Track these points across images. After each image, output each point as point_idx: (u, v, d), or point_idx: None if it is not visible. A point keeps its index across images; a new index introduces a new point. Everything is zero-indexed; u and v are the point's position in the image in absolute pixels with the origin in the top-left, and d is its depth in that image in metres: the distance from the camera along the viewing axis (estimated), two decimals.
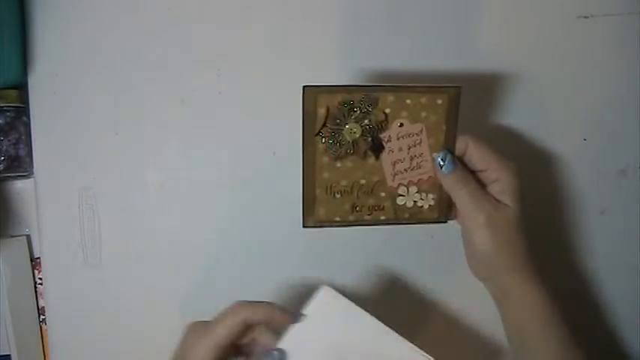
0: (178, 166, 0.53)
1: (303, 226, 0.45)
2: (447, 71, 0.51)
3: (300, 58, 0.52)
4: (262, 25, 0.52)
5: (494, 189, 0.43)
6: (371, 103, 0.41)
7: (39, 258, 0.55)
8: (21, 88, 0.53)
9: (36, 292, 0.56)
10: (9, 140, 0.53)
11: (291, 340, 0.39)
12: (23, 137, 0.53)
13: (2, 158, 0.52)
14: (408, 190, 0.44)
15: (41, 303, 0.56)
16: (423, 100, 0.41)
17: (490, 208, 0.42)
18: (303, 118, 0.42)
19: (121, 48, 0.53)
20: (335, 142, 0.42)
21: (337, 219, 0.44)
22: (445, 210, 0.45)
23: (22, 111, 0.54)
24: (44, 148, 0.53)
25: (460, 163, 0.43)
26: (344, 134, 0.42)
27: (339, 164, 0.43)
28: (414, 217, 0.45)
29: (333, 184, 0.43)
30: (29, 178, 0.55)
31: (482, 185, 0.43)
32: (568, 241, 0.52)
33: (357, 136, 0.42)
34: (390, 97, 0.41)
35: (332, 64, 0.52)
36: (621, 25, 0.51)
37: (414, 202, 0.44)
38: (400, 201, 0.44)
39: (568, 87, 0.52)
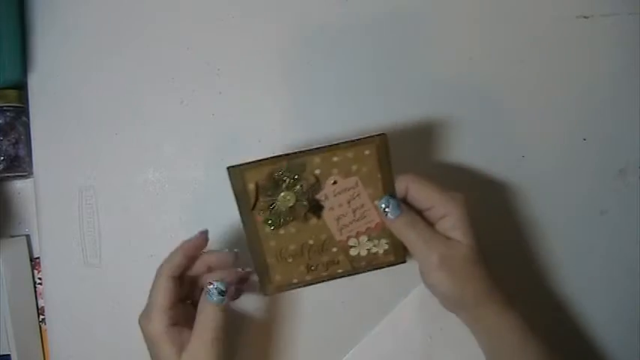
0: (178, 166, 0.53)
1: (264, 295, 0.44)
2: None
3: (299, 57, 0.52)
4: (262, 25, 0.52)
5: (444, 225, 0.41)
6: (298, 170, 0.40)
7: (39, 258, 0.55)
8: (21, 88, 0.53)
9: (36, 292, 0.56)
10: (9, 140, 0.53)
11: None
12: (23, 137, 0.53)
13: (2, 158, 0.52)
14: (358, 241, 0.43)
15: (41, 303, 0.56)
16: (350, 154, 0.40)
17: (442, 248, 0.40)
18: (235, 198, 0.41)
19: (121, 48, 0.53)
20: (272, 213, 0.41)
21: (295, 281, 0.44)
22: (401, 251, 0.45)
23: (21, 111, 0.54)
24: (44, 148, 0.53)
25: (406, 204, 0.42)
26: (279, 204, 0.41)
27: (282, 231, 0.42)
28: (371, 264, 0.44)
29: (283, 250, 0.43)
30: (29, 178, 0.55)
31: (431, 223, 0.42)
32: (568, 241, 0.52)
33: (293, 203, 0.41)
34: (317, 159, 0.40)
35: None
36: (621, 25, 0.51)
37: (368, 250, 0.43)
38: (353, 252, 0.43)
39: (568, 87, 0.51)
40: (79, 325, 0.53)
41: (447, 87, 0.52)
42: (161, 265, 0.42)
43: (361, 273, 0.44)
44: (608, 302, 0.52)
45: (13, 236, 0.56)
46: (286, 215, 0.41)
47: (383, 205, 0.41)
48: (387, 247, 0.43)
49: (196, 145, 0.53)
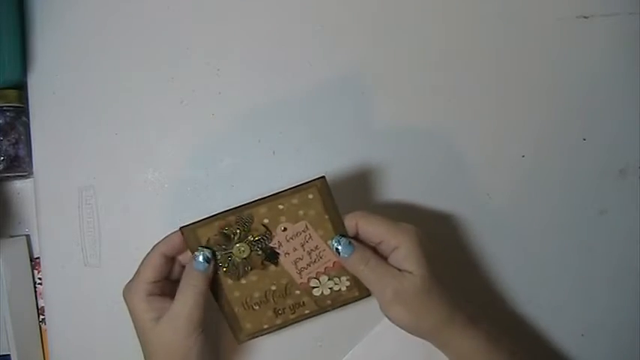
0: (178, 166, 0.53)
1: (238, 343, 0.45)
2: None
3: (299, 57, 0.52)
4: (262, 25, 0.52)
5: (396, 257, 0.41)
6: (247, 222, 0.42)
7: (39, 258, 0.55)
8: (21, 88, 0.53)
9: (36, 292, 0.56)
10: (9, 140, 0.53)
11: None
12: (23, 137, 0.53)
13: (2, 158, 0.52)
14: (319, 281, 0.44)
15: (41, 303, 0.56)
16: (295, 201, 0.41)
17: (394, 283, 0.41)
18: (192, 253, 0.43)
19: (121, 48, 0.53)
20: (229, 265, 0.43)
21: (266, 326, 0.45)
22: (364, 285, 0.44)
23: (21, 111, 0.54)
24: (44, 148, 0.53)
25: (358, 241, 0.42)
26: (234, 256, 0.42)
27: (244, 281, 0.43)
28: (337, 301, 0.45)
29: (248, 299, 0.44)
30: (29, 178, 0.55)
31: (385, 257, 0.42)
32: (567, 241, 0.52)
33: (247, 253, 0.42)
34: (263, 209, 0.41)
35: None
36: (621, 25, 0.51)
37: (330, 288, 0.44)
38: (316, 292, 0.44)
39: (568, 87, 0.51)
40: (79, 325, 0.53)
41: (447, 86, 0.52)
42: (157, 243, 0.44)
43: (329, 311, 0.45)
44: (608, 302, 0.52)
45: (13, 236, 0.56)
46: (244, 265, 0.43)
47: (334, 245, 0.42)
48: (348, 283, 0.44)
49: (196, 145, 0.53)
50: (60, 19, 0.53)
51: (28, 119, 0.54)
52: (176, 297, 0.41)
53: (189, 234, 0.42)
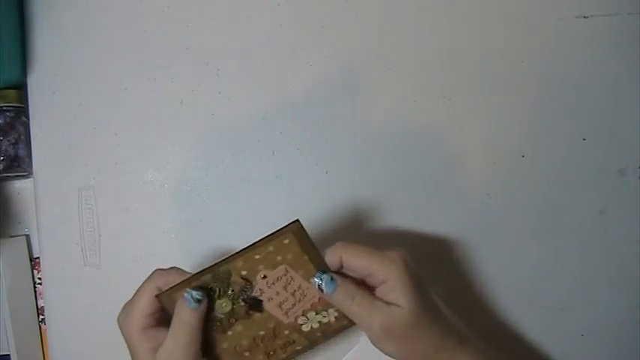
0: (178, 166, 0.53)
1: None
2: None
3: (299, 57, 0.52)
4: (262, 25, 0.52)
5: (384, 289, 0.40)
6: (225, 277, 0.41)
7: (38, 258, 0.55)
8: (21, 88, 0.53)
9: (35, 292, 0.56)
10: (8, 140, 0.53)
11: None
12: (23, 137, 0.53)
13: (2, 158, 0.52)
14: (307, 317, 0.43)
15: (41, 303, 0.56)
16: (271, 248, 0.40)
17: (382, 318, 0.39)
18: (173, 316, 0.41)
19: (121, 48, 0.53)
20: (214, 321, 0.42)
21: None
22: None
23: (21, 111, 0.54)
24: (44, 148, 0.53)
25: (342, 274, 0.41)
26: (217, 313, 0.41)
27: (230, 333, 0.42)
28: (327, 332, 0.44)
29: (237, 348, 0.43)
30: (29, 178, 0.55)
31: (373, 287, 0.41)
32: (567, 241, 0.52)
33: (230, 307, 0.41)
34: (239, 263, 0.40)
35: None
36: (621, 25, 0.51)
37: (319, 322, 0.43)
38: (305, 328, 0.43)
39: (568, 87, 0.51)
40: (79, 325, 0.53)
41: (447, 86, 0.52)
42: (155, 273, 0.42)
43: (320, 344, 0.44)
44: (608, 302, 0.52)
45: (13, 236, 0.56)
46: (228, 319, 0.42)
47: (316, 283, 0.41)
48: (336, 314, 0.43)
49: (196, 145, 0.53)
50: (60, 19, 0.53)
51: (28, 119, 0.54)
52: (169, 335, 0.40)
53: (166, 299, 0.40)
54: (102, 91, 0.53)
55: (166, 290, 0.40)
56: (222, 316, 0.42)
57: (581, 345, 0.51)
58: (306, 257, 0.41)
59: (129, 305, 0.42)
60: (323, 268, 0.41)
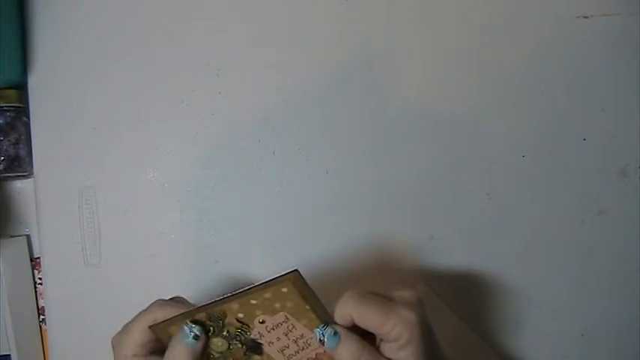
0: (178, 166, 0.53)
1: None
2: None
3: (300, 57, 0.52)
4: (262, 24, 0.52)
5: (393, 348, 0.38)
6: (219, 318, 0.39)
7: (39, 258, 0.55)
8: (21, 88, 0.53)
9: (36, 292, 0.56)
10: (9, 140, 0.53)
11: None
12: (23, 137, 0.53)
13: (2, 158, 0.52)
14: None
15: (41, 303, 0.56)
16: (268, 295, 0.38)
17: None
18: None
19: (121, 48, 0.53)
20: (210, 357, 0.40)
21: None
22: None
23: (22, 111, 0.54)
24: (44, 148, 0.53)
25: (348, 328, 0.38)
26: (212, 350, 0.40)
27: None
28: None
29: None
30: (29, 178, 0.55)
31: (380, 340, 0.39)
32: (567, 241, 0.52)
33: (225, 348, 0.40)
34: (235, 305, 0.38)
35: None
36: (621, 25, 0.51)
37: None
38: None
39: (568, 87, 0.51)
40: (79, 325, 0.53)
41: (447, 86, 0.52)
42: (155, 303, 0.41)
43: None
44: (608, 302, 0.52)
45: (13, 236, 0.56)
46: (225, 358, 0.40)
47: (318, 336, 0.38)
48: None
49: (196, 145, 0.53)
50: (60, 19, 0.53)
51: (28, 119, 0.54)
52: None
53: (161, 331, 0.39)
54: (102, 91, 0.53)
55: (161, 322, 0.39)
56: (218, 355, 0.40)
57: (581, 345, 0.51)
58: (307, 307, 0.38)
59: (124, 330, 0.41)
60: (326, 320, 0.39)
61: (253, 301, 0.38)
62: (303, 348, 0.40)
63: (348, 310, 0.38)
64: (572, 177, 0.52)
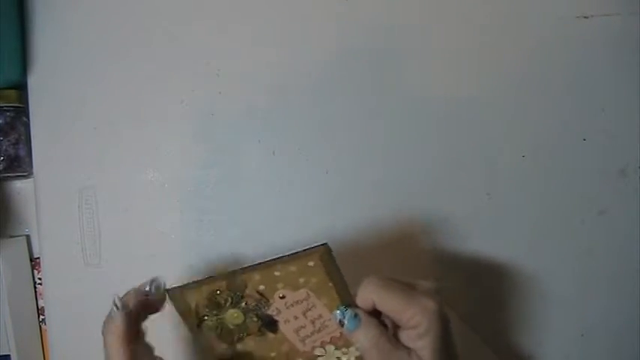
0: (178, 166, 0.53)
1: None
2: None
3: (300, 57, 0.52)
4: (262, 24, 0.52)
5: (411, 335, 0.37)
6: (239, 288, 0.37)
7: (39, 258, 0.55)
8: (21, 88, 0.53)
9: (36, 292, 0.56)
10: (9, 140, 0.53)
11: None
12: (23, 137, 0.53)
13: (2, 158, 0.52)
14: (325, 350, 0.39)
15: (41, 303, 0.56)
16: (293, 268, 0.37)
17: None
18: (180, 316, 0.39)
19: (121, 48, 0.53)
20: (222, 330, 0.39)
21: None
22: None
23: (21, 111, 0.54)
24: (44, 148, 0.53)
25: (368, 312, 0.38)
26: (226, 322, 0.38)
27: (239, 346, 0.39)
28: None
29: None
30: (29, 178, 0.55)
31: (398, 326, 0.38)
32: (567, 241, 0.52)
33: (241, 320, 0.38)
34: (257, 276, 0.37)
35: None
36: (621, 25, 0.51)
37: (337, 357, 0.40)
38: None
39: (568, 87, 0.51)
40: (79, 325, 0.53)
41: (447, 86, 0.52)
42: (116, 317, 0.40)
43: None
44: (608, 302, 0.52)
45: (13, 236, 0.56)
46: (238, 332, 0.39)
47: (338, 317, 0.38)
48: (357, 353, 0.39)
49: (196, 145, 0.53)
50: (60, 19, 0.53)
51: (28, 119, 0.54)
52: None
53: (176, 298, 0.38)
54: (102, 91, 0.53)
55: (176, 287, 0.38)
56: (233, 327, 0.39)
57: (581, 345, 0.51)
58: (331, 285, 0.38)
59: (114, 317, 0.40)
60: (348, 302, 0.38)
61: (277, 273, 0.37)
62: (319, 330, 0.39)
63: (370, 293, 0.37)
64: (572, 177, 0.51)
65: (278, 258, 0.37)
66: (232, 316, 0.38)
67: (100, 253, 0.53)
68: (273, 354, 0.40)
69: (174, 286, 0.38)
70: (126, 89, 0.53)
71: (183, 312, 0.38)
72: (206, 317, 0.38)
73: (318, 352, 0.40)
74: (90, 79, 0.53)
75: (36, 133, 0.53)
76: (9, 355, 0.53)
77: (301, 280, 0.37)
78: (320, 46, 0.52)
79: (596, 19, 0.51)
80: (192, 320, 0.39)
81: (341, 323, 0.38)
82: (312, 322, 0.39)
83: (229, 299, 0.38)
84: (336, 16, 0.52)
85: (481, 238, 0.51)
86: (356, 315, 0.38)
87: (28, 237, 0.56)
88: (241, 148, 0.52)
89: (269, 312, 0.38)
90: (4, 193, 0.56)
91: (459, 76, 0.52)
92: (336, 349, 0.40)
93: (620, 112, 0.51)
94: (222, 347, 0.39)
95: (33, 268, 0.56)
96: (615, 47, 0.51)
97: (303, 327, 0.39)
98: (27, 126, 0.54)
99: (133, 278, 0.53)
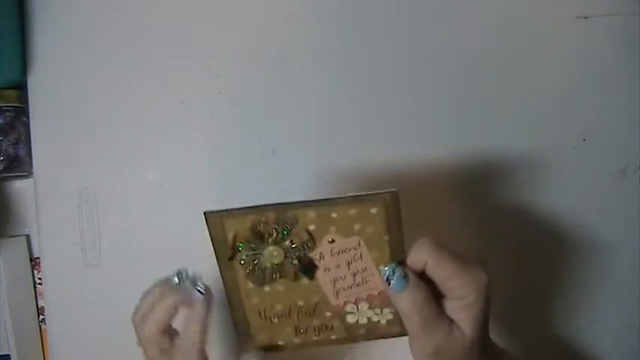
0: (178, 166, 0.53)
1: (246, 351, 0.39)
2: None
3: (299, 57, 0.52)
4: (262, 24, 0.52)
5: (455, 306, 0.36)
6: (288, 223, 0.34)
7: (39, 258, 0.55)
8: (21, 88, 0.53)
9: (36, 292, 0.56)
10: (9, 140, 0.53)
11: None
12: (23, 137, 0.53)
13: (2, 158, 0.52)
14: (357, 307, 0.37)
15: (41, 303, 0.56)
16: (353, 212, 0.34)
17: (441, 339, 0.35)
18: (213, 244, 0.36)
19: (121, 48, 0.53)
20: (255, 268, 0.36)
21: (281, 343, 0.38)
22: None
23: (21, 111, 0.54)
24: (44, 148, 0.53)
25: (417, 274, 0.36)
26: (264, 260, 0.35)
27: (267, 288, 0.36)
28: (372, 332, 0.38)
29: (267, 309, 0.37)
30: (29, 178, 0.55)
31: (442, 295, 0.36)
32: (567, 241, 0.52)
33: (280, 260, 0.35)
34: (312, 214, 0.34)
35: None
36: (621, 25, 0.51)
37: (368, 318, 0.37)
38: (350, 319, 0.37)
39: (568, 87, 0.51)
40: (79, 325, 0.53)
41: (447, 86, 0.52)
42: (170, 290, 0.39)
43: (357, 342, 0.38)
44: (608, 302, 0.52)
45: (13, 236, 0.56)
46: (272, 272, 0.36)
47: (386, 274, 0.35)
48: (391, 317, 0.37)
49: (196, 145, 0.53)
50: (60, 19, 0.53)
51: (28, 119, 0.54)
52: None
53: (214, 222, 0.35)
54: (102, 91, 0.53)
55: (218, 211, 0.34)
56: (267, 266, 0.36)
57: (581, 345, 0.51)
58: (386, 238, 0.35)
59: (145, 308, 0.41)
60: (399, 259, 0.35)
61: (334, 215, 0.34)
62: (358, 284, 0.36)
63: (424, 253, 0.35)
64: (572, 177, 0.52)
65: (340, 197, 0.34)
66: (272, 253, 0.35)
67: (100, 253, 0.53)
68: (301, 303, 0.37)
69: (213, 210, 0.34)
70: (126, 89, 0.53)
71: (218, 240, 0.35)
72: (241, 250, 0.35)
73: (349, 308, 0.37)
74: (90, 79, 0.53)
75: (36, 133, 0.53)
76: (9, 355, 0.53)
77: (357, 226, 0.34)
78: (320, 45, 0.52)
79: (596, 19, 0.51)
80: (226, 251, 0.36)
81: (388, 281, 0.35)
82: (354, 275, 0.36)
83: (274, 233, 0.35)
84: (336, 16, 0.52)
85: (481, 239, 0.51)
86: (405, 275, 0.35)
87: (28, 237, 0.56)
88: (241, 148, 0.52)
89: (311, 255, 0.35)
90: (4, 193, 0.56)
91: (459, 76, 0.52)
92: (370, 308, 0.37)
93: (620, 112, 0.51)
94: (248, 287, 0.36)
95: (33, 268, 0.56)
96: (615, 47, 0.51)
97: (342, 278, 0.36)
98: (27, 126, 0.54)
99: (133, 278, 0.53)
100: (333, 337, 0.38)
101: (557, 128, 0.51)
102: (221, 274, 0.37)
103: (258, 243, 0.35)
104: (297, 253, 0.35)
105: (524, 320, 0.52)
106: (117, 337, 0.53)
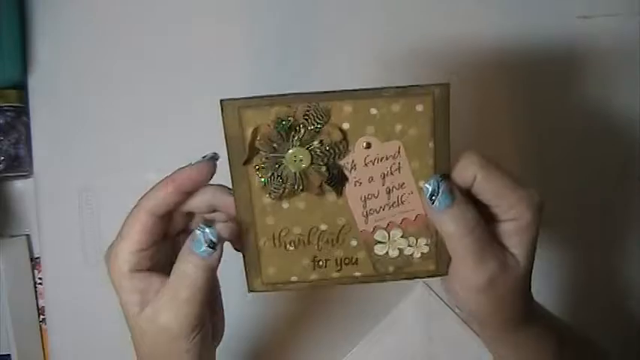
0: (178, 167, 0.53)
1: (249, 291, 0.33)
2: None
3: (299, 57, 0.52)
4: (263, 24, 0.52)
5: (507, 229, 0.31)
6: (320, 117, 0.29)
7: (39, 258, 0.55)
8: (21, 88, 0.53)
9: (36, 292, 0.56)
10: (9, 140, 0.53)
11: None
12: (23, 137, 0.53)
13: (2, 158, 0.52)
14: (388, 235, 0.32)
15: (41, 303, 0.56)
16: (396, 107, 0.29)
17: (495, 268, 0.30)
18: (227, 144, 0.31)
19: (121, 48, 0.53)
20: (275, 175, 0.30)
21: (294, 279, 0.32)
22: (446, 258, 0.32)
23: (22, 111, 0.54)
24: (44, 148, 0.53)
25: (464, 192, 0.31)
26: (286, 164, 0.30)
27: (285, 205, 0.31)
28: (402, 270, 0.32)
29: (282, 233, 0.31)
30: (29, 178, 0.55)
31: (490, 220, 0.31)
32: (567, 241, 0.52)
33: (306, 165, 0.30)
34: (347, 108, 0.29)
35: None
36: (621, 25, 0.51)
37: (400, 250, 0.32)
38: (380, 250, 0.32)
39: (568, 87, 0.52)
40: (79, 325, 0.53)
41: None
42: (143, 196, 0.34)
43: (384, 281, 0.33)
44: (608, 302, 0.52)
45: (13, 236, 0.56)
46: (294, 182, 0.30)
47: (429, 189, 0.29)
48: (426, 250, 0.32)
49: (196, 145, 0.52)
50: (60, 19, 0.53)
51: (28, 119, 0.54)
52: (165, 286, 0.31)
53: (230, 113, 0.29)
54: (102, 91, 0.53)
55: (235, 99, 0.29)
56: (289, 175, 0.30)
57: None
58: (431, 145, 0.30)
59: (117, 239, 0.34)
60: (445, 172, 0.30)
61: (373, 111, 0.29)
62: (393, 204, 0.31)
63: (473, 166, 0.30)
64: (572, 177, 0.52)
65: (380, 88, 0.28)
66: (296, 157, 0.30)
67: (99, 253, 0.53)
68: (323, 227, 0.31)
69: (229, 98, 0.29)
70: (126, 89, 0.53)
71: (233, 137, 0.30)
72: (260, 152, 0.30)
73: (379, 235, 0.32)
74: (90, 79, 0.53)
75: (36, 133, 0.53)
76: (9, 355, 0.53)
77: (398, 127, 0.29)
78: (320, 45, 0.52)
79: (596, 19, 0.51)
80: (240, 152, 0.30)
81: (431, 198, 0.30)
82: (388, 192, 0.31)
83: (302, 130, 0.29)
84: (336, 16, 0.52)
85: None
86: (451, 191, 0.30)
87: (28, 237, 0.56)
88: None
89: (342, 162, 0.30)
90: (4, 193, 0.56)
91: (458, 76, 0.52)
92: (403, 236, 0.32)
93: (620, 112, 0.51)
94: (263, 202, 0.31)
95: (33, 268, 0.56)
96: (615, 47, 0.51)
97: (375, 196, 0.31)
98: (27, 126, 0.54)
99: None
100: (357, 273, 0.32)
101: (557, 128, 0.52)
102: (233, 187, 0.31)
103: (281, 142, 0.29)
104: (325, 158, 0.30)
105: None
106: (117, 337, 0.53)
